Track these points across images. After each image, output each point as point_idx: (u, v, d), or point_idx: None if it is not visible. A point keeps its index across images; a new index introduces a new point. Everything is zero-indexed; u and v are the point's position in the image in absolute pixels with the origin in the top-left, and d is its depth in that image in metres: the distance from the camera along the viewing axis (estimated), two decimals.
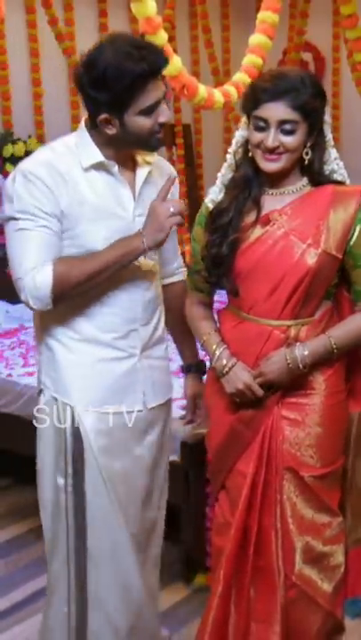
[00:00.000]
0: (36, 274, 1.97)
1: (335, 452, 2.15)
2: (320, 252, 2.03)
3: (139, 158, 2.12)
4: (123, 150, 2.07)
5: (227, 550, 2.15)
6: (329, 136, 2.10)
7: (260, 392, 2.08)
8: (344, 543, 2.19)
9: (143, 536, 2.24)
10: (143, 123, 1.98)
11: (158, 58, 1.96)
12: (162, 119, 1.99)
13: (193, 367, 2.39)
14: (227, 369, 2.10)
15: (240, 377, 2.08)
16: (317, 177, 2.09)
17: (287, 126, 1.99)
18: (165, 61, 1.97)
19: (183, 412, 2.44)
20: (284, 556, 2.11)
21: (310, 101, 1.99)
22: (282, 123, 1.98)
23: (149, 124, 1.98)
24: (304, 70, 2.13)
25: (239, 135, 2.14)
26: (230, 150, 2.16)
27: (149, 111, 1.97)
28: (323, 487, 2.12)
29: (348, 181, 2.15)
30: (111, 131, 1.99)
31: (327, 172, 2.11)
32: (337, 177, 2.12)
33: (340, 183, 2.12)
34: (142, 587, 2.20)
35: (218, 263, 2.11)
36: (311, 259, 2.03)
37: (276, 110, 1.98)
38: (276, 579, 2.11)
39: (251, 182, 2.10)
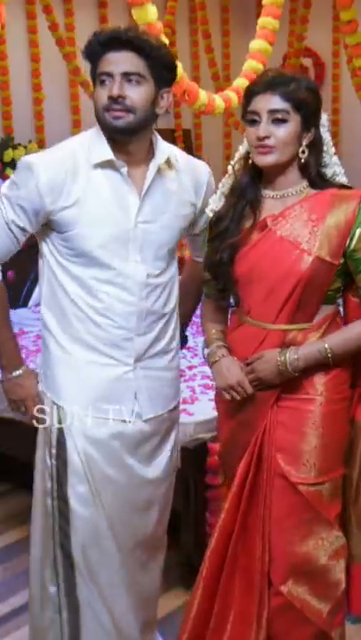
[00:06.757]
0: None
1: (333, 460, 2.07)
2: (313, 258, 1.98)
3: (152, 161, 2.08)
4: (117, 139, 2.03)
5: (211, 546, 2.14)
6: (328, 139, 2.07)
7: (250, 389, 2.06)
8: (345, 559, 2.10)
9: (140, 550, 2.20)
10: (98, 92, 2.00)
11: (130, 33, 1.96)
12: (108, 92, 1.97)
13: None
14: (217, 357, 2.11)
15: (232, 372, 2.07)
16: (317, 180, 2.04)
17: (278, 115, 1.96)
18: (145, 43, 1.95)
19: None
20: (271, 562, 2.07)
21: (301, 93, 1.97)
22: (273, 113, 1.97)
23: (103, 95, 1.99)
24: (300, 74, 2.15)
25: (242, 148, 2.13)
26: (231, 162, 2.15)
27: (101, 80, 1.98)
28: (317, 497, 2.05)
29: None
30: (92, 99, 2.04)
31: (329, 175, 2.07)
32: (340, 180, 2.09)
33: (345, 187, 2.07)
34: (130, 600, 2.17)
35: (219, 269, 2.10)
36: (304, 265, 1.98)
37: (267, 101, 1.97)
38: (256, 581, 2.08)
39: (248, 189, 2.08)
